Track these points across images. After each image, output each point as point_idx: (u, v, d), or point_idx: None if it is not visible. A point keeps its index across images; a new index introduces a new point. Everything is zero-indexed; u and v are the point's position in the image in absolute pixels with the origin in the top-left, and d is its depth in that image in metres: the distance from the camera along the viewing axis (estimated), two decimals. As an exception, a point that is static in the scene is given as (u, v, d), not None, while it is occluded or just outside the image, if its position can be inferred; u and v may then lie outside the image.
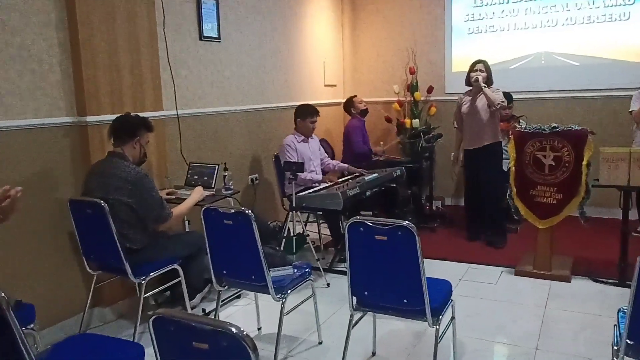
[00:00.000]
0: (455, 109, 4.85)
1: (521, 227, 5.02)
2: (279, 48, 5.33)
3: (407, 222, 2.29)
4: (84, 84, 3.26)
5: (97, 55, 3.33)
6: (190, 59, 4.22)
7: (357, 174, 4.74)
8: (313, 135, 4.75)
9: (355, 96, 5.72)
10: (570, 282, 3.88)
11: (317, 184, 4.44)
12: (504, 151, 5.24)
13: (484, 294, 3.75)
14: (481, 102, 4.52)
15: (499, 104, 4.41)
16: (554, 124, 3.86)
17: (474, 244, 4.74)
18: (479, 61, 4.59)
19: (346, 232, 2.43)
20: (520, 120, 5.15)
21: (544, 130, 3.86)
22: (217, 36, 4.46)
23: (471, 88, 4.61)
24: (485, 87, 4.40)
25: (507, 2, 5.81)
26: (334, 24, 6.42)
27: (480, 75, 4.47)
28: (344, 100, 6.16)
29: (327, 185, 4.42)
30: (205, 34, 4.32)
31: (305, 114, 4.64)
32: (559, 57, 5.63)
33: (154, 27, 3.75)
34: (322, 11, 6.15)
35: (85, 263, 3.20)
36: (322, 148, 4.92)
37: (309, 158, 4.63)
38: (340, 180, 4.61)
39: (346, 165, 4.92)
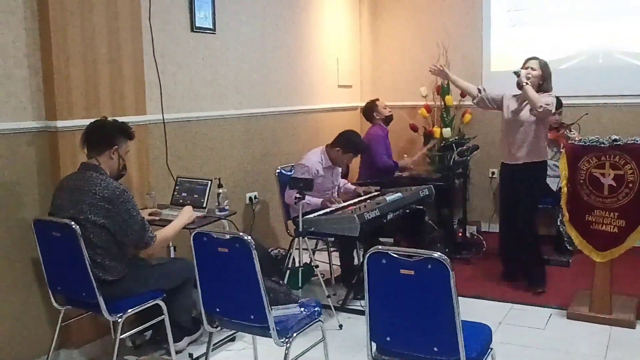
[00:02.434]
0: (494, 98, 4.65)
1: (574, 259, 4.98)
2: (284, 41, 5.38)
3: (439, 253, 2.28)
4: (55, 82, 3.30)
5: (71, 48, 3.37)
6: (180, 53, 4.26)
7: (377, 193, 4.73)
8: None
9: (378, 99, 5.75)
10: (635, 327, 3.84)
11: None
12: (553, 167, 5.24)
13: (529, 341, 3.71)
14: (527, 110, 4.37)
15: (541, 106, 4.18)
16: (614, 136, 3.85)
17: (518, 277, 4.70)
18: (533, 58, 4.46)
19: (365, 265, 2.42)
20: (572, 129, 5.15)
21: (603, 143, 3.85)
22: (211, 27, 4.51)
23: (520, 92, 4.45)
24: (527, 83, 4.24)
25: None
26: (350, 13, 6.47)
27: (527, 73, 4.31)
28: (360, 104, 6.21)
29: (340, 205, 4.41)
30: (197, 24, 4.37)
31: (350, 148, 4.63)
32: (620, 55, 5.63)
33: (137, 16, 3.81)
34: (337, -2, 6.21)
35: (51, 296, 3.21)
36: (339, 173, 4.91)
37: (327, 188, 4.63)
38: (356, 200, 4.60)
39: (352, 187, 4.91)
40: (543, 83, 4.38)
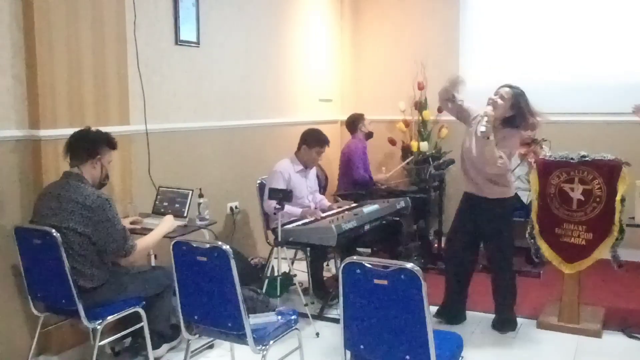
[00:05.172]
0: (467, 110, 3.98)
1: (544, 271, 5.03)
2: (266, 55, 5.39)
3: (411, 264, 2.29)
4: (39, 92, 3.28)
5: (56, 58, 3.35)
6: (164, 65, 4.26)
7: (354, 205, 4.75)
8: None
9: (364, 115, 5.81)
10: (601, 337, 3.88)
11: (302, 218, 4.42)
12: (524, 181, 5.30)
13: (501, 350, 3.74)
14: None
15: (492, 166, 3.65)
16: (583, 153, 3.90)
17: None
18: (507, 86, 3.79)
19: (340, 275, 2.43)
20: (543, 146, 5.22)
21: (572, 159, 3.90)
22: (196, 40, 4.51)
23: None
24: (489, 138, 3.57)
25: (535, 9, 5.91)
26: (331, 29, 6.51)
27: (491, 107, 3.67)
28: (341, 118, 6.23)
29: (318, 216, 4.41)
30: (182, 38, 4.37)
31: (315, 141, 4.59)
32: (593, 74, 5.71)
33: (122, 28, 3.80)
34: (319, 14, 6.24)
35: (31, 303, 3.17)
36: (316, 180, 4.92)
37: (302, 194, 4.60)
38: (334, 211, 4.61)
39: (328, 204, 4.88)
40: (511, 117, 3.74)
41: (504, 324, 4.02)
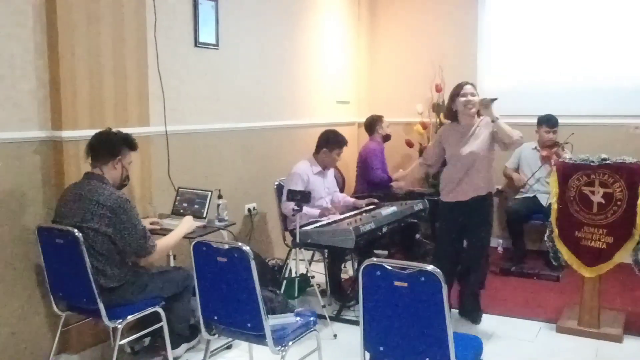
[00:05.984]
0: (431, 142, 4.26)
1: (563, 274, 5.00)
2: (284, 57, 5.42)
3: (432, 266, 2.29)
4: (61, 94, 3.32)
5: (78, 61, 3.39)
6: (183, 67, 4.29)
7: (371, 207, 4.75)
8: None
9: (383, 116, 5.81)
10: (622, 342, 3.84)
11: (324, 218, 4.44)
12: (544, 183, 5.28)
13: (519, 353, 3.72)
14: (478, 139, 3.95)
15: (517, 139, 3.86)
16: (604, 155, 3.88)
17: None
18: (468, 83, 4.01)
19: (360, 276, 2.44)
20: (564, 148, 5.19)
21: (592, 162, 3.88)
22: (215, 42, 4.54)
23: (450, 121, 4.12)
24: (498, 118, 3.84)
25: (554, 12, 5.87)
26: (348, 32, 6.52)
27: (476, 99, 3.93)
28: (358, 120, 6.23)
29: (337, 217, 4.43)
30: (201, 40, 4.40)
31: (334, 144, 4.61)
32: (614, 76, 5.66)
33: (143, 31, 3.84)
34: (335, 17, 6.26)
35: (53, 302, 3.21)
36: (334, 180, 4.94)
37: (320, 195, 4.62)
38: (352, 213, 4.62)
39: (352, 199, 4.91)
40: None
41: (470, 313, 4.13)
